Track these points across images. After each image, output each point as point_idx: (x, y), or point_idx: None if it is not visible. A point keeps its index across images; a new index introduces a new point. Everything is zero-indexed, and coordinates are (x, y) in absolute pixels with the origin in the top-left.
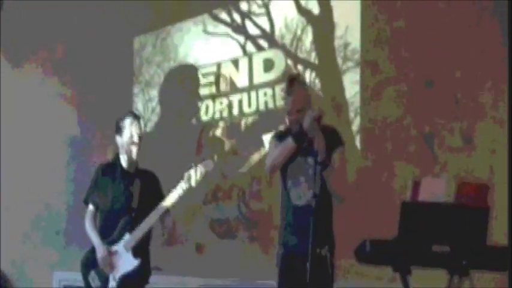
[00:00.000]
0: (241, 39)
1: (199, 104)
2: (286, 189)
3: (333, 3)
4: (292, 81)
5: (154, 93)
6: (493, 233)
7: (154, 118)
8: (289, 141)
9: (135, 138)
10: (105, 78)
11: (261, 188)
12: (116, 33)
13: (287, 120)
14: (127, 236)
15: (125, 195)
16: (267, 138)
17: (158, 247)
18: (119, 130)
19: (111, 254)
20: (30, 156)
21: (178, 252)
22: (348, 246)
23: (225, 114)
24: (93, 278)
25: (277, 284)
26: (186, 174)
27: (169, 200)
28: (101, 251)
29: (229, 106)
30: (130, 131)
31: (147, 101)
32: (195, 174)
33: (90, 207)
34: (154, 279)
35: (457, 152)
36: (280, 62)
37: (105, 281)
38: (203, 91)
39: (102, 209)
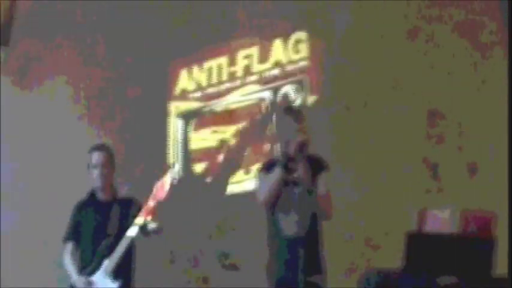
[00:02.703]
0: None
1: None
2: (276, 219)
3: None
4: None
5: None
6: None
7: None
8: (278, 171)
9: (99, 166)
10: None
11: None
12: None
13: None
14: (105, 262)
15: (102, 224)
16: None
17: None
18: (88, 164)
19: (90, 283)
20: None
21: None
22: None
23: None
24: None
25: None
26: (155, 186)
27: (143, 214)
28: (79, 283)
29: None
30: (95, 162)
31: None
32: (162, 185)
33: (69, 245)
34: None
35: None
36: None
37: None
38: None
39: (83, 244)
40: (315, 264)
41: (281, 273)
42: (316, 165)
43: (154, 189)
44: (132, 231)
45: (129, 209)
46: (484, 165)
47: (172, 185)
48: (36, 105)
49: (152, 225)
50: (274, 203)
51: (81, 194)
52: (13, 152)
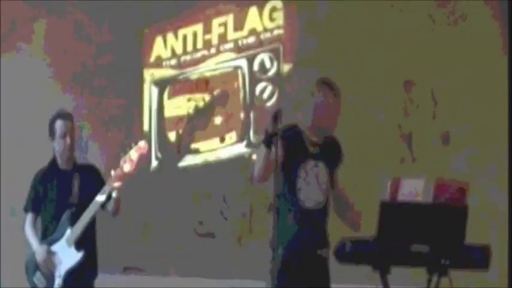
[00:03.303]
0: None
1: None
2: (293, 189)
3: None
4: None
5: None
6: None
7: None
8: (262, 148)
9: (63, 136)
10: None
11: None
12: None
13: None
14: (68, 231)
15: (64, 194)
16: None
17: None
18: (50, 133)
19: (51, 252)
20: None
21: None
22: None
23: None
24: (39, 279)
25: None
26: (121, 159)
27: (106, 190)
28: (39, 253)
29: None
30: (60, 131)
31: None
32: (130, 158)
33: (30, 214)
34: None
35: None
36: None
37: (51, 281)
38: None
39: (44, 213)
40: (324, 237)
41: (293, 244)
42: (336, 153)
43: (122, 161)
44: (99, 200)
45: (90, 177)
46: (457, 134)
47: (139, 160)
48: (7, 69)
49: (114, 195)
50: (289, 173)
51: (42, 162)
52: None
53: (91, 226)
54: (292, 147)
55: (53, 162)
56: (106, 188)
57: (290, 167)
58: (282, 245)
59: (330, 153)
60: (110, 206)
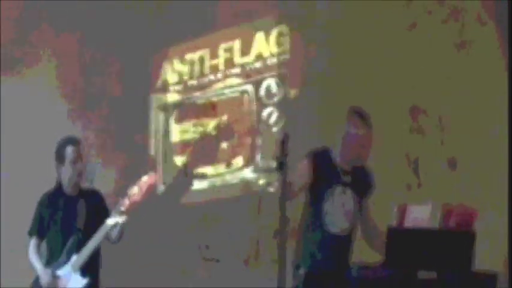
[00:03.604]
0: None
1: None
2: (319, 211)
3: None
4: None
5: None
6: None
7: None
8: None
9: (74, 161)
10: None
11: None
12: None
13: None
14: (74, 257)
15: (70, 219)
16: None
17: None
18: (59, 158)
19: (56, 278)
20: None
21: None
22: None
23: None
24: None
25: None
26: (129, 190)
27: (115, 215)
28: (44, 277)
29: None
30: (70, 157)
31: None
32: (139, 189)
33: (34, 239)
34: None
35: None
36: None
37: None
38: None
39: (49, 238)
40: (346, 262)
41: (315, 264)
42: (366, 181)
43: (130, 190)
44: (105, 229)
45: (95, 202)
46: (464, 160)
47: (148, 190)
48: (16, 94)
49: (120, 222)
50: (317, 195)
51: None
52: None
53: (96, 253)
54: (322, 170)
55: (59, 187)
56: (114, 214)
57: (318, 190)
58: (304, 266)
59: (360, 181)
60: (114, 232)
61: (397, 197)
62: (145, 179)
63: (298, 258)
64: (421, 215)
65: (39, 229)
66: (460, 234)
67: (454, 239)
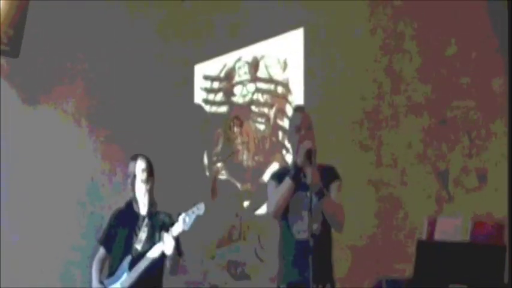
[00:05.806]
0: None
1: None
2: (288, 224)
3: None
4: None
5: None
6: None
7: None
8: (288, 181)
9: (139, 178)
10: None
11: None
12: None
13: (293, 141)
14: (124, 276)
15: (132, 237)
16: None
17: None
18: (130, 176)
19: None
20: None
21: None
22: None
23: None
24: None
25: None
26: (180, 218)
27: (166, 241)
28: None
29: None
30: (136, 174)
31: None
32: (188, 218)
33: (102, 249)
34: None
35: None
36: None
37: None
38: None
39: (113, 252)
40: (326, 272)
41: (292, 278)
42: (329, 175)
43: (181, 220)
44: (153, 254)
45: (161, 225)
46: (493, 173)
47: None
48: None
49: (168, 253)
50: (286, 208)
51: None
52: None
53: (148, 275)
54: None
55: (130, 204)
56: (166, 238)
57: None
58: (283, 282)
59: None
60: (168, 262)
61: (427, 210)
62: (194, 210)
63: (279, 276)
64: (451, 228)
65: (106, 240)
66: (491, 247)
67: (485, 253)
